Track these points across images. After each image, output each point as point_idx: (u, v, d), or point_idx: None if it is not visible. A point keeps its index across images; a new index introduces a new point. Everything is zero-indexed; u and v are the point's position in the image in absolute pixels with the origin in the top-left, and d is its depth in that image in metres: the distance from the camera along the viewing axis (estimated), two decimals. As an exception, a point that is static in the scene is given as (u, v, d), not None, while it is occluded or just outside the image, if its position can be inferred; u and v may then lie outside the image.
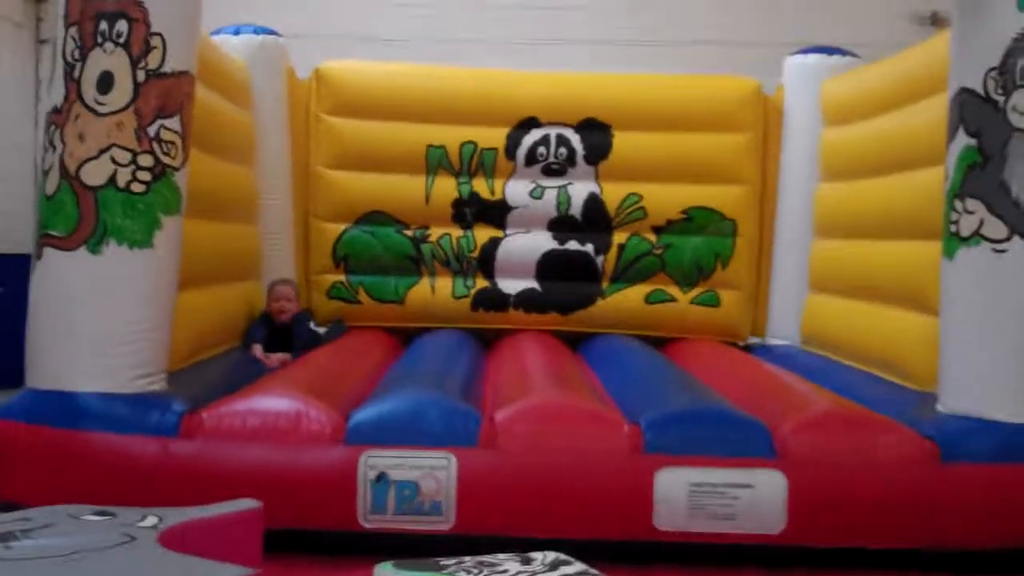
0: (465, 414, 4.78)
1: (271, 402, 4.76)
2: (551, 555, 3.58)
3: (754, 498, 4.47)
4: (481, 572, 3.48)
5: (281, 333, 6.80)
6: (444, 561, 3.58)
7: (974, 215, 4.68)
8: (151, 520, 3.66)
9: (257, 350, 6.53)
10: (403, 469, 4.52)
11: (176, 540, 3.55)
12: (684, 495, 4.49)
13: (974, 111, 4.71)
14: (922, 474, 4.54)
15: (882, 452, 4.58)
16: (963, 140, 4.76)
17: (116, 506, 3.78)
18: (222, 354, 6.23)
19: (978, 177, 4.69)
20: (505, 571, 3.47)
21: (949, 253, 4.83)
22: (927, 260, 5.25)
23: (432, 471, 4.53)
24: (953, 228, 4.79)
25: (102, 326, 4.67)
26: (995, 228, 4.62)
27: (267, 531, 3.90)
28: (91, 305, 4.66)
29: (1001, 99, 4.61)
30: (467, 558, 3.61)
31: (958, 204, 4.75)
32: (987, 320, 4.67)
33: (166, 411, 4.65)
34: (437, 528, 4.51)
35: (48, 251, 4.70)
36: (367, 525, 4.50)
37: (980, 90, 4.68)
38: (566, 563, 3.50)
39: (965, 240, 4.72)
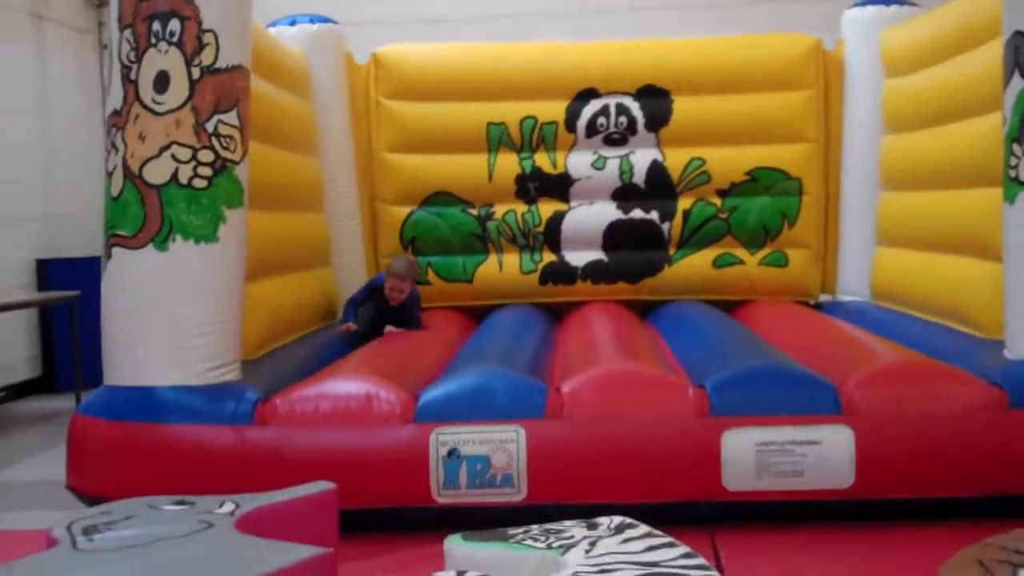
0: (531, 387, 4.84)
1: (342, 386, 4.86)
2: (616, 519, 3.63)
3: (821, 454, 4.48)
4: (547, 539, 3.54)
5: (389, 310, 6.76)
6: (511, 531, 3.65)
7: (1034, 158, 4.61)
8: (228, 506, 3.77)
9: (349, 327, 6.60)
10: (473, 444, 4.60)
11: (253, 525, 3.66)
12: (751, 455, 4.51)
13: (1029, 53, 4.63)
14: (990, 421, 4.51)
15: (949, 402, 4.56)
16: (1019, 83, 4.69)
17: (195, 495, 3.90)
18: (296, 341, 6.33)
19: (1036, 120, 4.61)
20: (571, 536, 3.53)
21: (1010, 198, 4.76)
22: (991, 207, 5.18)
23: (502, 444, 4.60)
24: (1012, 173, 4.72)
25: (174, 321, 4.79)
26: (1054, 170, 4.54)
27: (343, 511, 4.01)
28: (161, 301, 4.78)
29: (1055, 39, 4.52)
30: (534, 526, 3.67)
31: (1016, 148, 4.68)
32: (1050, 263, 4.60)
33: (240, 400, 4.77)
34: (510, 500, 4.58)
35: (117, 251, 4.83)
36: (441, 500, 4.59)
37: (1035, 32, 4.60)
38: (631, 526, 3.55)
39: (1024, 184, 4.65)
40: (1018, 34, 4.69)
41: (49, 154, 9.64)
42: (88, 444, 4.78)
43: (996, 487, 4.46)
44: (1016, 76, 4.69)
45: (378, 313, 6.75)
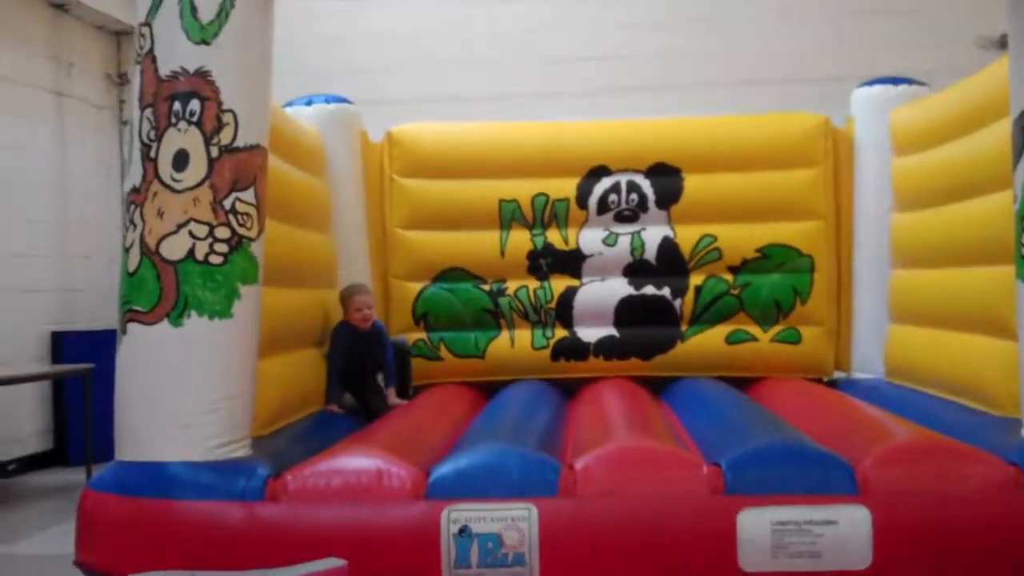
0: (543, 464, 4.80)
1: (353, 461, 4.83)
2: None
3: (838, 534, 4.43)
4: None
5: (364, 343, 6.80)
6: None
7: (1045, 236, 4.63)
8: (239, 583, 3.75)
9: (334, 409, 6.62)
10: (485, 522, 4.55)
11: (264, 601, 3.64)
12: (767, 534, 4.46)
13: (1038, 132, 4.67)
14: (1008, 500, 4.46)
15: (965, 481, 4.51)
16: (1029, 162, 4.72)
17: (205, 571, 3.89)
18: (308, 417, 6.33)
19: (1046, 198, 4.63)
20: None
21: (1022, 275, 4.77)
22: (1004, 285, 5.18)
23: (514, 522, 4.56)
24: (1023, 251, 4.73)
25: (186, 397, 4.78)
26: (1065, 248, 4.56)
27: (354, 589, 3.99)
28: (175, 377, 4.78)
29: (1063, 119, 4.56)
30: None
31: (1027, 225, 4.70)
32: (1064, 342, 4.60)
33: (251, 476, 4.74)
34: (522, 579, 4.53)
35: (132, 326, 4.85)
36: (452, 579, 4.54)
37: (1043, 110, 4.65)
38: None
39: (1037, 262, 4.66)
40: (1026, 114, 4.73)
41: (65, 227, 9.75)
42: (98, 519, 4.76)
43: (1014, 568, 4.41)
44: (1025, 156, 4.73)
45: (352, 359, 6.75)
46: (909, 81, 7.74)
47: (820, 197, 7.71)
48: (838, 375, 7.89)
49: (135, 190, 4.94)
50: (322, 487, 4.70)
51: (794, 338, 7.68)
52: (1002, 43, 9.43)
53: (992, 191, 5.72)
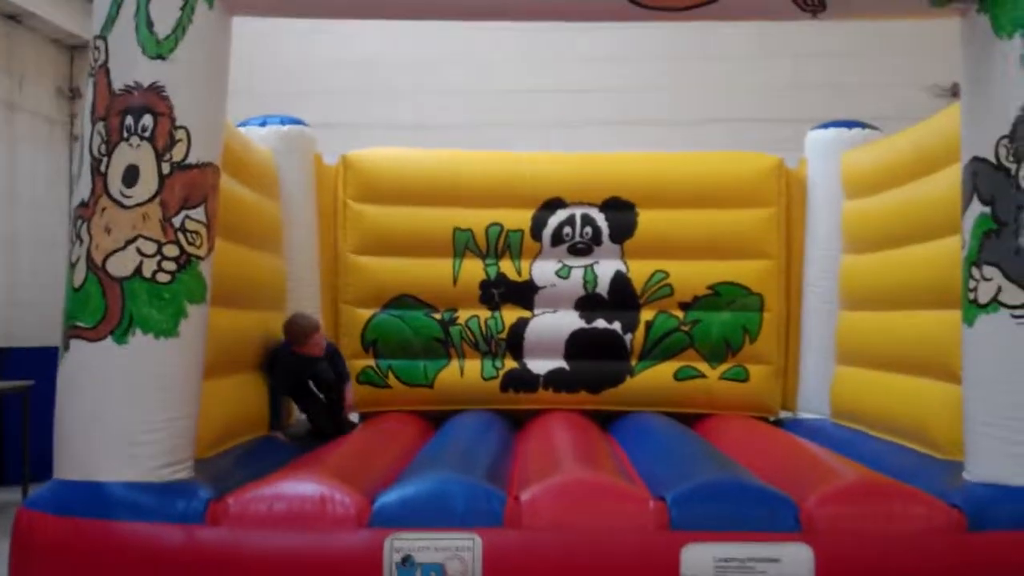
0: (489, 494, 4.77)
1: (296, 487, 4.77)
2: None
3: (781, 572, 4.42)
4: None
5: (308, 364, 6.74)
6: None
7: (991, 282, 4.68)
8: (175, 607, 3.68)
9: (280, 436, 6.55)
10: (429, 551, 4.51)
11: (200, 626, 3.57)
12: (711, 571, 4.45)
13: (987, 179, 4.73)
14: (949, 543, 4.48)
15: (908, 522, 4.53)
16: (977, 208, 4.77)
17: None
18: (252, 440, 6.25)
19: (994, 244, 4.69)
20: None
21: (969, 320, 4.82)
22: (950, 329, 5.23)
23: (457, 552, 4.52)
24: (971, 295, 4.78)
25: (128, 416, 4.70)
26: (1013, 294, 4.61)
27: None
28: (117, 395, 4.70)
29: (1013, 167, 4.63)
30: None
31: (975, 271, 4.75)
32: (1009, 386, 4.63)
33: (192, 498, 4.67)
34: (464, 610, 4.49)
35: (75, 343, 4.77)
36: (394, 609, 4.49)
37: (992, 158, 4.71)
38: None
39: (984, 307, 4.71)
40: (976, 160, 4.80)
41: (11, 242, 9.60)
42: (34, 540, 4.64)
43: (955, 610, 4.44)
44: (975, 201, 4.79)
45: (297, 379, 6.71)
46: (862, 125, 7.84)
47: (772, 237, 7.77)
48: (784, 414, 7.93)
49: (83, 204, 4.87)
50: (264, 512, 4.63)
51: (742, 376, 7.71)
52: (954, 92, 9.61)
53: (941, 235, 5.79)
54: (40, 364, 8.27)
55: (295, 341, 6.64)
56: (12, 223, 9.63)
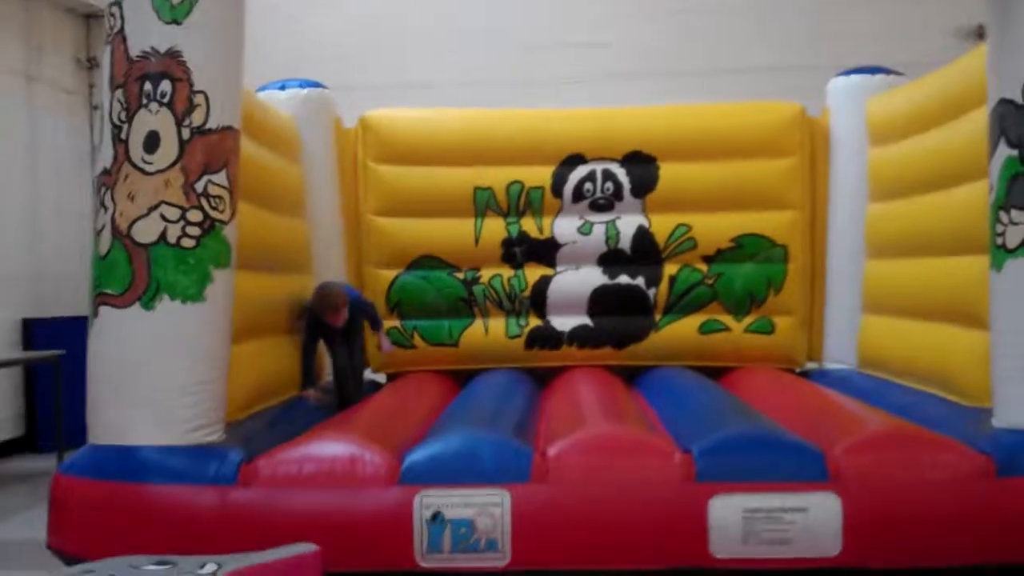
0: (517, 450, 4.80)
1: (326, 447, 4.82)
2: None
3: (809, 522, 4.45)
4: (532, 605, 3.51)
5: (329, 334, 6.89)
6: (497, 595, 3.62)
7: (1020, 226, 4.65)
8: (210, 567, 3.73)
9: (311, 395, 6.62)
10: (458, 507, 4.55)
11: (235, 586, 3.61)
12: (738, 521, 4.48)
13: (1014, 122, 4.68)
14: (978, 490, 4.49)
15: (937, 470, 4.55)
16: (1005, 151, 4.73)
17: (176, 555, 3.86)
18: (281, 402, 6.30)
19: (1022, 188, 4.64)
20: (557, 603, 3.49)
21: (997, 265, 4.79)
22: (977, 275, 5.21)
23: (486, 508, 4.56)
24: (999, 240, 4.75)
25: (159, 381, 4.76)
26: (1041, 238, 4.58)
27: (326, 575, 3.97)
28: (147, 361, 4.75)
29: (1040, 108, 4.58)
30: (519, 592, 3.64)
31: (1003, 216, 4.71)
32: (1038, 330, 4.62)
33: (223, 461, 4.73)
34: (494, 565, 4.53)
35: (103, 310, 4.81)
36: (424, 565, 4.53)
37: (1020, 100, 4.65)
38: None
39: (1012, 252, 4.68)
40: (1003, 102, 4.74)
41: (36, 213, 9.65)
42: (70, 504, 4.73)
43: (985, 555, 4.43)
44: (1002, 144, 4.74)
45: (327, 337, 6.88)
46: (886, 71, 7.75)
47: (795, 187, 7.72)
48: (810, 365, 7.91)
49: (106, 172, 4.90)
50: (295, 472, 4.69)
51: (767, 328, 7.69)
52: (979, 33, 9.48)
53: (967, 181, 5.74)
54: (70, 334, 8.34)
55: (318, 310, 6.68)
56: (35, 194, 9.67)
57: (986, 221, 4.98)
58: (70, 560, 4.51)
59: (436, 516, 4.54)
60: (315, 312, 6.69)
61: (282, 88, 7.58)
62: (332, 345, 6.95)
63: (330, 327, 6.73)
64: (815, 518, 4.45)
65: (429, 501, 4.56)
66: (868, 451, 4.66)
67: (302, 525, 4.44)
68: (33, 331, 9.30)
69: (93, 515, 4.66)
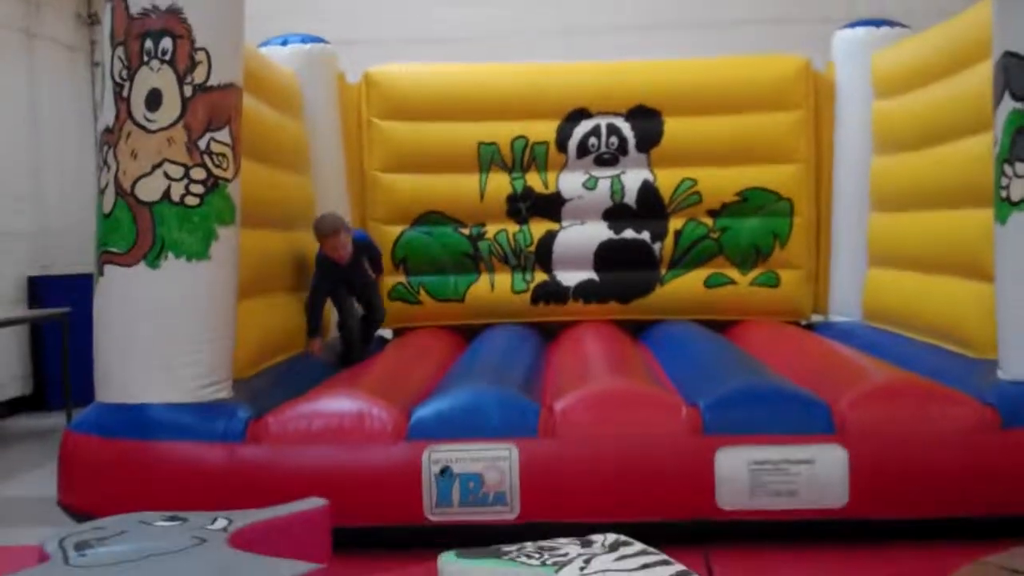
0: (524, 405, 4.83)
1: (334, 404, 4.85)
2: (611, 537, 3.62)
3: (815, 473, 4.48)
4: (542, 556, 3.53)
5: (343, 272, 6.77)
6: (505, 548, 3.64)
7: (1024, 179, 4.63)
8: (221, 523, 3.76)
9: (315, 345, 6.63)
10: (466, 462, 4.59)
11: (246, 540, 3.65)
12: (745, 473, 4.51)
13: (1019, 74, 4.65)
14: (984, 441, 4.51)
15: (942, 421, 4.57)
16: (1009, 104, 4.71)
17: (187, 511, 3.89)
18: (288, 360, 6.32)
19: (1026, 140, 4.63)
20: (565, 554, 3.52)
21: (1001, 218, 4.78)
22: (982, 227, 5.20)
23: (495, 462, 4.59)
24: (1004, 193, 4.74)
25: (165, 338, 4.78)
26: (1045, 190, 4.56)
27: (336, 529, 4.00)
28: (153, 318, 4.77)
29: (1045, 60, 4.55)
30: (528, 544, 3.66)
31: (1007, 168, 4.70)
32: (1042, 283, 4.62)
33: (232, 418, 4.76)
34: (502, 518, 4.57)
35: (109, 268, 4.82)
36: (433, 518, 4.58)
37: (1024, 52, 4.63)
38: (626, 544, 3.54)
39: (1016, 204, 4.67)
40: (1008, 55, 4.71)
41: (40, 171, 9.63)
42: (79, 461, 4.76)
43: (990, 507, 4.46)
44: (1006, 97, 4.72)
45: (335, 286, 6.81)
46: (891, 23, 7.70)
47: (800, 140, 7.68)
48: (816, 318, 7.91)
49: (108, 130, 4.89)
50: (303, 429, 4.72)
51: (773, 282, 7.68)
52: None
53: (972, 133, 5.70)
54: (76, 291, 8.37)
55: (319, 240, 6.64)
56: (39, 152, 9.65)
57: (989, 173, 4.96)
58: (80, 517, 4.54)
59: (445, 471, 4.57)
60: (319, 241, 6.64)
61: (284, 43, 7.53)
62: (339, 299, 6.91)
63: (337, 268, 6.68)
64: (821, 470, 4.48)
65: (437, 456, 4.59)
66: (874, 403, 4.68)
67: (311, 481, 4.46)
68: (39, 289, 9.31)
69: (103, 472, 4.70)
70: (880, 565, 4.34)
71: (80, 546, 3.48)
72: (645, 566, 3.30)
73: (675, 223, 7.70)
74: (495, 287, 7.80)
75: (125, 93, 4.82)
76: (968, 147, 5.80)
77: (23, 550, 3.94)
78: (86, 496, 4.71)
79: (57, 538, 3.55)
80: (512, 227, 7.77)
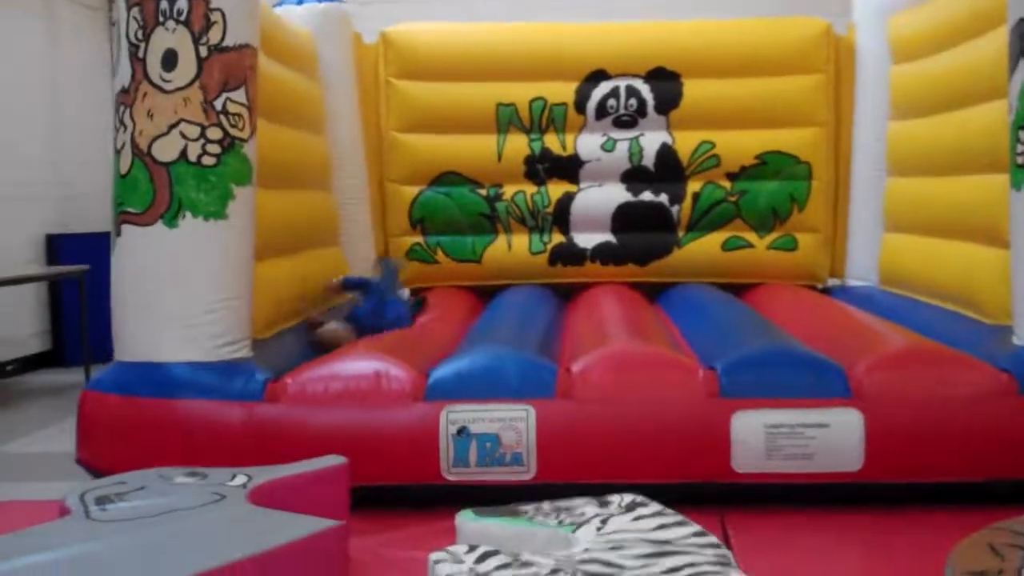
0: (541, 366, 4.85)
1: (352, 365, 4.87)
2: (628, 497, 3.66)
3: (830, 437, 4.49)
4: (559, 516, 3.56)
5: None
6: (522, 507, 3.68)
7: (1040, 144, 4.60)
8: (240, 479, 3.80)
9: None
10: (483, 422, 4.61)
11: (265, 497, 3.69)
12: (761, 437, 4.52)
13: (1037, 39, 4.61)
14: (999, 407, 4.51)
15: (958, 387, 4.56)
16: (1025, 70, 4.67)
17: (204, 467, 3.93)
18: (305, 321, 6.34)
19: (1043, 106, 4.59)
20: (582, 514, 3.55)
21: (1016, 185, 4.75)
22: (999, 193, 5.16)
23: (512, 423, 4.61)
24: (1019, 160, 4.70)
25: (183, 298, 4.80)
26: (1061, 156, 4.53)
27: (354, 489, 4.04)
28: (171, 278, 4.80)
29: (1063, 25, 4.50)
30: (545, 503, 3.70)
31: (1022, 135, 4.66)
32: (1058, 248, 4.60)
33: (250, 378, 4.79)
34: (519, 478, 4.59)
35: (126, 228, 4.84)
36: (450, 478, 4.60)
37: (1041, 17, 4.58)
38: (642, 504, 3.57)
39: (1031, 170, 4.64)
40: (1023, 21, 4.66)
41: (59, 130, 9.66)
42: (98, 419, 4.80)
43: (1005, 472, 4.47)
44: (1022, 63, 4.67)
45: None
46: (912, -14, 7.62)
47: (820, 104, 7.63)
48: (832, 282, 7.89)
49: (124, 91, 4.90)
50: (321, 390, 4.74)
51: (790, 245, 7.67)
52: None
53: (990, 99, 5.64)
54: (94, 249, 8.41)
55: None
56: (58, 110, 9.67)
57: (1005, 139, 4.93)
58: (98, 474, 4.58)
59: (462, 431, 4.60)
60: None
61: (299, 2, 7.49)
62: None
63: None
64: (837, 434, 4.49)
65: (455, 416, 4.62)
66: (890, 368, 4.68)
67: (329, 441, 4.48)
68: (58, 246, 9.36)
69: (121, 431, 4.74)
70: (894, 529, 4.36)
71: (101, 500, 3.53)
72: (662, 526, 3.33)
73: (693, 186, 7.68)
74: (512, 248, 7.80)
75: (141, 54, 4.82)
76: (985, 112, 5.75)
77: (44, 504, 3.98)
78: (104, 454, 4.75)
79: (78, 492, 3.60)
80: (530, 188, 7.76)
